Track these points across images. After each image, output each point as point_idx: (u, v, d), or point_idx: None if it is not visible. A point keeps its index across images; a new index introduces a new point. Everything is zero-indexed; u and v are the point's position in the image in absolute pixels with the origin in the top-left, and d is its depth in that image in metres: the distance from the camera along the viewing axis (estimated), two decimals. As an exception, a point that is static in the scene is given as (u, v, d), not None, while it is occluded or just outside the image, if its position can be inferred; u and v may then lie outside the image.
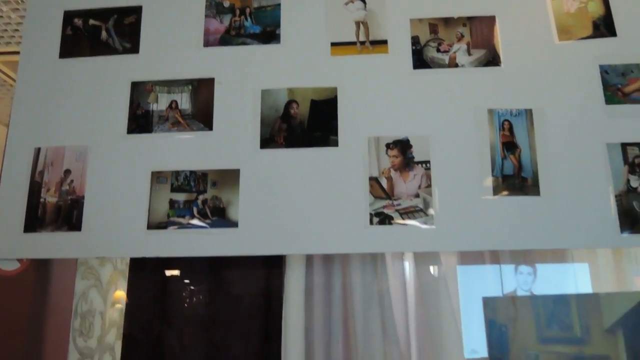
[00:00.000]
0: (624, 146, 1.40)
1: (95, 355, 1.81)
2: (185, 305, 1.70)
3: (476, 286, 1.63)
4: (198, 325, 1.67)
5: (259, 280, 1.65)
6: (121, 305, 1.85)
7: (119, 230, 1.46)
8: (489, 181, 1.39)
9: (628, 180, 1.37)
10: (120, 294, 1.88)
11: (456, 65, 1.49)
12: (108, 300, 1.90)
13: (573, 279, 1.69)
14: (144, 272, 1.71)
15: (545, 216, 1.36)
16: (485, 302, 1.53)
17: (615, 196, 1.36)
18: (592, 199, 1.36)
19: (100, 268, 1.87)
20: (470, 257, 1.62)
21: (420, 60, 1.50)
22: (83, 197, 1.50)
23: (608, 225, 1.34)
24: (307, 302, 1.59)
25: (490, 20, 1.52)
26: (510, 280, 1.60)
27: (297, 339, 1.55)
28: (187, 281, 1.68)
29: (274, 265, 1.63)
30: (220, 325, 1.64)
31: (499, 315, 1.51)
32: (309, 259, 1.62)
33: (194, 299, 1.69)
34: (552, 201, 1.36)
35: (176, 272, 1.72)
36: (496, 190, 1.39)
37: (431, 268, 1.58)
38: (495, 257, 1.60)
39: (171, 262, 1.68)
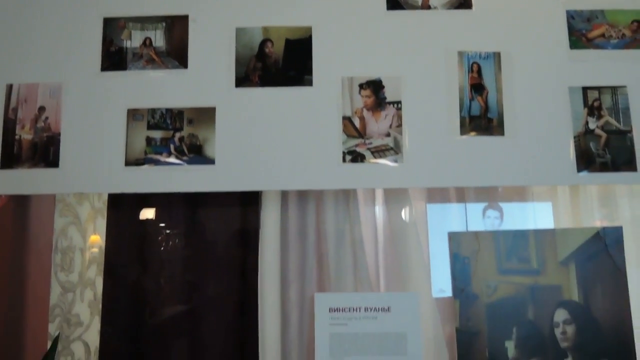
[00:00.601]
0: (585, 90, 1.46)
1: (77, 289, 1.87)
2: (163, 243, 1.76)
3: (443, 224, 1.72)
4: (177, 262, 1.74)
5: (236, 218, 1.71)
6: (97, 250, 1.88)
7: (96, 166, 1.49)
8: (456, 121, 1.45)
9: (587, 122, 1.45)
10: (96, 238, 1.91)
11: (429, 7, 1.52)
12: (87, 238, 1.94)
13: (535, 217, 1.79)
14: (122, 210, 1.75)
15: (508, 155, 1.43)
16: (450, 237, 1.63)
17: (574, 137, 1.44)
18: (553, 139, 1.44)
19: (78, 206, 1.90)
20: (437, 196, 1.70)
21: (394, 1, 1.52)
22: (59, 134, 1.51)
23: (566, 165, 1.42)
24: (282, 239, 1.66)
25: (464, -38, 1.53)
26: (475, 218, 1.69)
27: (273, 274, 1.63)
28: (165, 219, 1.73)
29: (251, 203, 1.69)
30: (198, 263, 1.71)
31: (463, 249, 1.61)
32: (284, 197, 1.68)
33: (172, 236, 1.75)
34: (516, 141, 1.43)
35: (154, 211, 1.76)
36: (463, 130, 1.45)
37: (400, 206, 1.66)
38: (461, 196, 1.68)
39: (149, 200, 1.72)
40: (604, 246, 1.60)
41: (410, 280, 1.63)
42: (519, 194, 1.67)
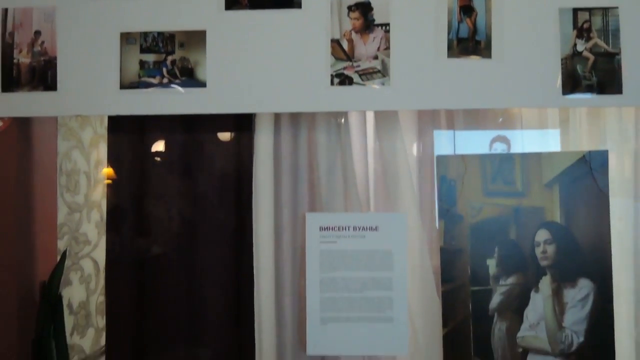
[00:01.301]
0: (575, 11, 1.45)
1: (83, 210, 1.98)
2: (161, 166, 1.83)
3: (432, 148, 1.76)
4: (175, 186, 1.81)
5: (230, 142, 1.77)
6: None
7: (93, 89, 1.54)
8: (444, 44, 1.45)
9: (575, 45, 1.45)
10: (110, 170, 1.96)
11: None
12: (91, 162, 2.03)
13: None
14: (121, 135, 1.81)
15: (495, 78, 1.45)
16: (438, 160, 1.67)
17: (562, 59, 1.44)
18: (540, 62, 1.44)
19: (80, 131, 1.97)
20: (427, 122, 1.73)
21: None
22: (55, 58, 1.55)
23: (552, 87, 1.43)
24: (275, 162, 1.72)
25: None
26: (462, 144, 1.73)
27: (267, 195, 1.70)
28: (162, 143, 1.79)
29: (245, 128, 1.74)
30: (195, 186, 1.78)
31: (450, 172, 1.66)
32: (277, 123, 1.73)
33: (170, 160, 1.81)
34: (503, 63, 1.44)
35: (152, 135, 1.82)
36: (451, 53, 1.46)
37: (390, 131, 1.70)
38: (450, 123, 1.71)
39: (147, 125, 1.78)
40: (589, 170, 1.64)
41: (398, 201, 1.69)
42: (511, 122, 1.70)
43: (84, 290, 1.93)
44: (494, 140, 1.81)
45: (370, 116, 1.72)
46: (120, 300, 1.77)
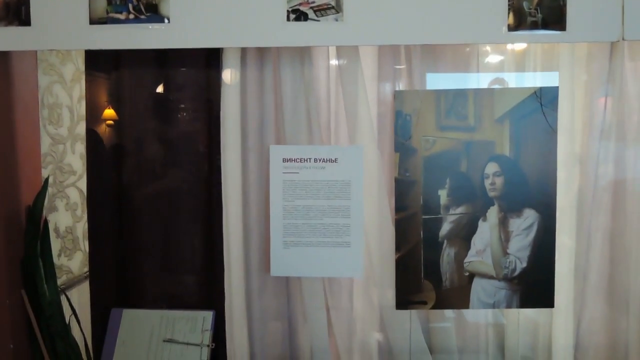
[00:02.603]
0: (527, -52, 1.48)
1: (67, 142, 2.09)
2: (135, 100, 1.91)
3: (392, 82, 1.83)
4: (147, 118, 1.90)
5: (200, 76, 1.84)
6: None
7: (64, 25, 1.61)
8: (396, -20, 1.50)
9: (523, -19, 1.48)
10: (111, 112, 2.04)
11: None
12: (74, 96, 2.12)
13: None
14: (98, 71, 1.89)
15: (444, 14, 1.49)
16: (395, 95, 1.75)
17: (509, -4, 1.49)
18: (488, -2, 1.48)
19: (61, 66, 2.05)
20: (387, 58, 1.79)
21: None
22: (28, -6, 1.62)
23: (499, 23, 1.48)
24: (242, 96, 1.80)
25: None
26: (419, 79, 1.79)
27: (234, 127, 1.80)
28: (134, 79, 1.87)
29: (213, 63, 1.81)
30: (167, 116, 1.88)
31: (406, 106, 1.74)
32: (244, 55, 1.80)
33: (142, 94, 1.89)
34: (455, 0, 1.49)
35: (126, 71, 1.90)
36: (402, -11, 1.50)
37: (351, 66, 1.76)
38: (409, 58, 1.77)
39: (120, 61, 1.86)
40: (539, 106, 1.71)
41: (357, 135, 1.78)
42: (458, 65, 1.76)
43: (70, 217, 2.08)
44: (492, 82, 1.85)
45: (332, 52, 1.79)
46: (103, 227, 1.90)
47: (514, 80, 1.81)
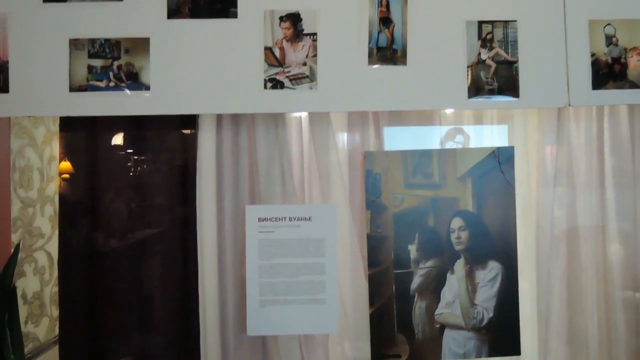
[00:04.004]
0: (480, 24, 1.64)
1: (37, 205, 2.07)
2: (112, 163, 1.95)
3: (361, 143, 1.93)
4: (125, 179, 1.93)
5: (176, 139, 1.90)
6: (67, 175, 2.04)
7: (44, 92, 1.65)
8: (365, 52, 1.63)
9: (479, 54, 1.64)
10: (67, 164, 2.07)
11: (344, -55, 1.65)
12: (44, 158, 2.12)
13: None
14: (73, 133, 1.92)
15: (410, 83, 1.63)
16: (365, 155, 1.85)
17: (468, 67, 1.64)
18: (449, 69, 1.63)
19: (33, 129, 2.06)
20: (357, 120, 1.90)
21: (312, -61, 1.65)
22: (7, 62, 1.65)
23: (460, 91, 1.62)
24: (217, 159, 1.86)
25: None
26: (389, 138, 1.91)
27: (210, 189, 1.84)
28: (111, 141, 1.91)
29: (189, 126, 1.88)
30: (144, 179, 1.91)
31: (375, 166, 1.84)
32: (219, 119, 1.87)
33: (119, 157, 1.94)
34: (417, 70, 1.63)
35: (104, 132, 1.94)
36: (371, 60, 1.63)
37: (323, 129, 1.86)
38: (377, 121, 1.89)
39: (96, 124, 1.90)
40: (497, 164, 1.84)
41: (330, 194, 1.86)
42: (424, 117, 1.89)
43: (38, 281, 2.04)
44: (452, 133, 1.97)
45: (305, 116, 1.88)
46: (73, 291, 1.87)
47: (472, 132, 1.94)
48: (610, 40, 1.66)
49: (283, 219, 1.81)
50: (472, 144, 1.92)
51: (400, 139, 1.91)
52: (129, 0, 1.65)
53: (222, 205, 1.86)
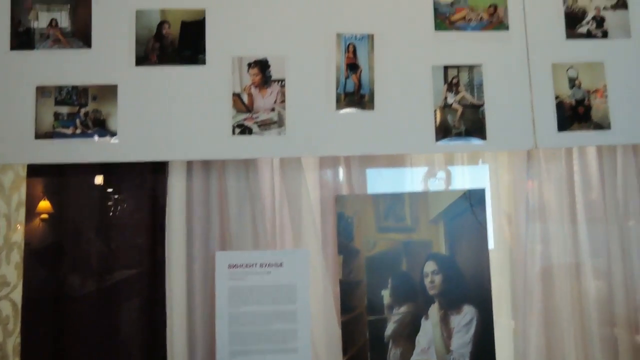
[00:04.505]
0: (446, 68, 1.67)
1: (2, 252, 2.02)
2: (82, 208, 1.91)
3: (332, 188, 1.92)
4: (92, 226, 1.89)
5: (146, 184, 1.88)
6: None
7: (9, 139, 1.63)
8: (333, 97, 1.64)
9: (446, 98, 1.66)
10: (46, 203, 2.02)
11: (312, -8, 1.68)
12: (12, 204, 2.08)
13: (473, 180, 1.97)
14: (40, 180, 1.89)
15: (378, 127, 1.63)
16: (337, 199, 1.84)
17: (434, 110, 1.65)
18: (416, 113, 1.64)
19: (1, 175, 2.03)
20: (328, 164, 1.89)
21: (280, -13, 1.68)
22: (-28, 109, 1.64)
23: (427, 135, 1.63)
24: (187, 204, 1.83)
25: (344, -49, 1.70)
26: (359, 182, 1.89)
27: (180, 235, 1.81)
28: (79, 188, 1.88)
29: (159, 171, 1.85)
30: (112, 223, 1.88)
31: (347, 210, 1.82)
32: (190, 164, 1.85)
33: (87, 203, 1.90)
34: (384, 115, 1.64)
35: (72, 177, 1.91)
36: (339, 105, 1.64)
37: (294, 173, 1.85)
38: (348, 163, 1.89)
39: (63, 170, 1.87)
40: (469, 206, 1.84)
41: (302, 238, 1.83)
42: (394, 160, 1.88)
43: (1, 332, 1.96)
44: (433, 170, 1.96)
45: (276, 160, 1.88)
46: (36, 340, 1.81)
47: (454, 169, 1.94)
48: (573, 82, 1.69)
49: (254, 266, 1.78)
50: (454, 179, 1.91)
51: (371, 181, 1.90)
52: (97, 48, 1.66)
53: (191, 252, 1.82)
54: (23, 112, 1.63)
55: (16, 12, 1.66)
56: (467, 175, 1.94)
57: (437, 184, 1.94)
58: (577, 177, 1.90)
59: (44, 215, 1.93)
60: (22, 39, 1.66)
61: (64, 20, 1.67)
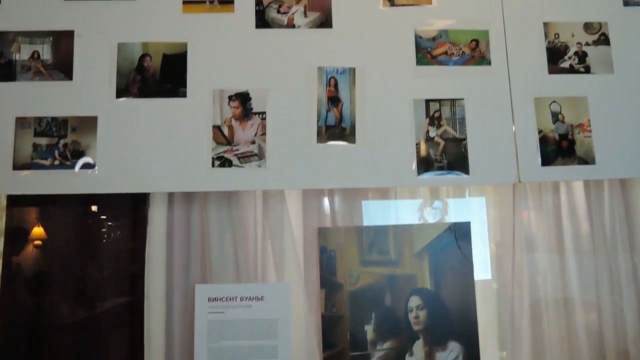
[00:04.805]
0: (428, 102, 1.66)
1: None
2: (59, 239, 1.89)
3: (315, 220, 1.89)
4: (72, 256, 1.87)
5: (126, 215, 1.86)
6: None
7: (-14, 169, 1.61)
8: (314, 130, 1.63)
9: (427, 131, 1.65)
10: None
11: (293, 26, 1.69)
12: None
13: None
14: (19, 210, 1.88)
15: (359, 160, 1.62)
16: (320, 232, 1.81)
17: (416, 144, 1.64)
18: (397, 146, 1.63)
19: (-18, 205, 2.01)
20: (311, 195, 1.87)
21: (262, 20, 1.69)
22: (-49, 140, 1.62)
23: (408, 168, 1.61)
24: (168, 235, 1.81)
25: (326, -15, 1.71)
26: (343, 214, 1.87)
27: (159, 266, 1.78)
28: (58, 218, 1.86)
29: (140, 202, 1.83)
30: (92, 253, 1.85)
31: (330, 242, 1.80)
32: (171, 196, 1.83)
33: (67, 233, 1.88)
34: (365, 148, 1.62)
35: (49, 210, 1.89)
36: (320, 138, 1.63)
37: (277, 205, 1.83)
38: (331, 195, 1.87)
39: (43, 200, 1.85)
40: (454, 239, 1.81)
41: (284, 271, 1.80)
42: (382, 192, 1.86)
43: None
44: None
45: (258, 192, 1.86)
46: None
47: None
48: (556, 117, 1.68)
49: (234, 299, 1.74)
50: (450, 209, 1.88)
51: (355, 214, 1.88)
52: (79, 80, 1.65)
53: (171, 284, 1.79)
54: (1, 143, 1.62)
55: (-2, 44, 1.66)
56: (452, 207, 1.92)
57: (433, 214, 1.91)
58: (564, 210, 1.88)
59: (38, 242, 1.91)
60: (4, 70, 1.66)
61: (46, 52, 1.67)
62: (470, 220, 1.84)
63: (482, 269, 1.84)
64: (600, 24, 1.76)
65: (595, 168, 1.67)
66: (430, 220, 1.90)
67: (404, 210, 1.91)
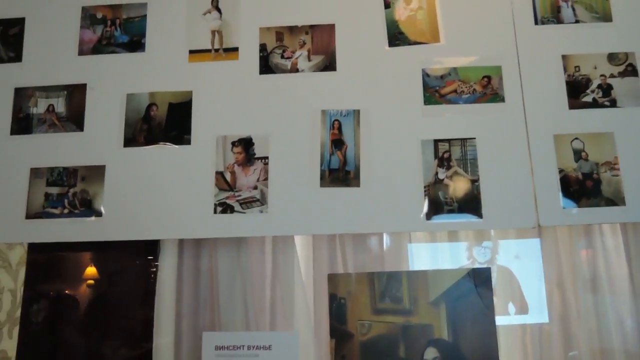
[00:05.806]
0: (436, 142, 1.58)
1: (4, 327, 2.04)
2: (75, 285, 1.92)
3: (326, 266, 1.83)
4: (86, 301, 1.89)
5: (137, 262, 1.86)
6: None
7: (1, 219, 1.67)
8: (317, 174, 1.58)
9: (436, 173, 1.57)
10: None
11: (297, 70, 1.67)
12: (18, 280, 2.12)
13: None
14: (41, 257, 1.92)
15: (364, 205, 1.55)
16: (329, 278, 1.74)
17: (425, 187, 1.56)
18: (405, 189, 1.55)
19: (8, 251, 2.08)
20: (321, 241, 1.81)
21: (266, 66, 1.68)
22: (-28, 191, 1.70)
23: (417, 213, 1.53)
24: (178, 282, 1.80)
25: (330, 28, 1.69)
26: (351, 258, 1.80)
27: (168, 312, 1.77)
28: (75, 264, 1.89)
29: (151, 249, 1.84)
30: (105, 299, 1.86)
31: (340, 290, 1.73)
32: (181, 244, 1.83)
33: (82, 280, 1.91)
34: (371, 191, 1.56)
35: (66, 256, 1.93)
36: (323, 183, 1.58)
37: (286, 251, 1.78)
38: (342, 240, 1.80)
39: (62, 247, 1.90)
40: (474, 286, 1.69)
41: (294, 319, 1.74)
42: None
43: (-2, 409, 1.95)
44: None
45: (268, 238, 1.82)
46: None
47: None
48: (579, 155, 1.56)
49: (241, 348, 1.69)
50: (500, 249, 1.77)
51: (368, 259, 1.80)
52: (89, 131, 1.69)
53: (180, 331, 1.77)
54: (17, 193, 1.67)
55: (18, 99, 1.74)
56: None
57: (483, 254, 1.81)
58: (599, 255, 1.72)
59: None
60: (22, 124, 1.73)
61: (60, 105, 1.73)
62: (490, 266, 1.72)
63: (506, 319, 1.71)
64: (626, 54, 1.63)
65: (626, 210, 1.52)
66: (480, 259, 1.79)
67: (419, 255, 1.81)
